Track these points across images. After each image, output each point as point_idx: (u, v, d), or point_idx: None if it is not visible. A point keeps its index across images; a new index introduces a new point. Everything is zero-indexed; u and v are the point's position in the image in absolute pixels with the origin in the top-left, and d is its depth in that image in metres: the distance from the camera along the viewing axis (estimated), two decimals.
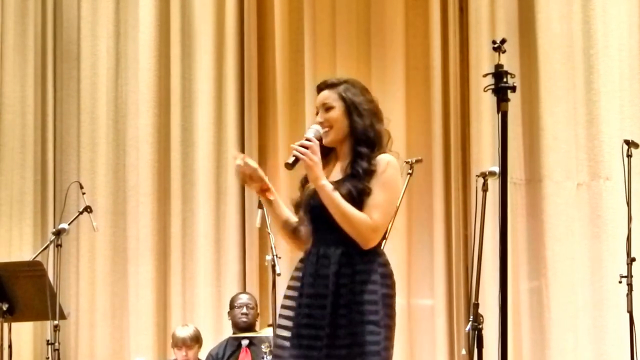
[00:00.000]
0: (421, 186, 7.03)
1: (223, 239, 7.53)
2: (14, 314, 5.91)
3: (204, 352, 6.77)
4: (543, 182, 6.90)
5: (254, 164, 3.72)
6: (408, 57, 7.32)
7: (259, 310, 6.86)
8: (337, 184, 3.55)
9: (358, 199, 3.51)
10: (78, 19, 7.97)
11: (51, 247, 6.18)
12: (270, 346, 5.93)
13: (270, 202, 3.75)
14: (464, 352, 5.38)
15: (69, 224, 6.18)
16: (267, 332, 6.08)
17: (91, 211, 6.35)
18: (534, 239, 6.92)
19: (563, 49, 6.94)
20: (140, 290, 7.57)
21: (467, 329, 4.97)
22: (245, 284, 7.44)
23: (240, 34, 7.68)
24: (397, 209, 4.51)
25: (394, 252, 6.75)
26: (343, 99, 3.64)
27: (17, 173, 7.83)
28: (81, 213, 6.36)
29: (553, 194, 6.87)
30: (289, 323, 3.59)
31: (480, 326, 4.88)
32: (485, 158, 6.84)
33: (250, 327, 6.66)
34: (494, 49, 3.34)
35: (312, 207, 3.60)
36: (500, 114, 3.28)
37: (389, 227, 4.10)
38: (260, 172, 3.72)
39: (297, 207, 3.71)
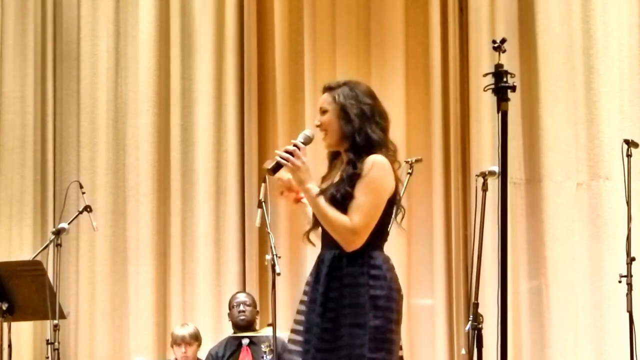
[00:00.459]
0: (421, 186, 7.03)
1: (223, 239, 7.53)
2: (13, 313, 5.90)
3: (203, 352, 6.77)
4: (543, 182, 6.90)
5: (286, 174, 3.73)
6: (408, 57, 7.32)
7: (258, 308, 6.87)
8: (326, 189, 3.57)
9: (342, 203, 3.51)
10: (78, 19, 7.97)
11: (51, 246, 6.18)
12: (270, 345, 5.93)
13: (300, 205, 3.78)
14: (463, 351, 5.38)
15: (68, 224, 6.18)
16: (267, 331, 6.08)
17: (91, 211, 6.35)
18: (534, 239, 6.92)
19: (563, 48, 6.94)
20: (140, 289, 7.57)
21: (466, 328, 4.98)
22: (245, 283, 7.44)
23: (240, 34, 7.68)
24: (401, 205, 4.52)
25: (393, 252, 6.72)
26: (336, 102, 3.63)
27: (17, 172, 7.83)
28: (81, 213, 6.36)
29: (553, 193, 6.87)
30: (299, 327, 3.62)
31: (480, 326, 4.89)
32: (485, 158, 6.84)
33: (249, 325, 6.67)
34: (494, 48, 3.34)
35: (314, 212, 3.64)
36: (500, 114, 3.28)
37: (389, 228, 4.10)
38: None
39: None
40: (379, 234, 3.60)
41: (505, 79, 3.27)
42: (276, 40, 7.57)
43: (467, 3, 7.20)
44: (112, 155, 7.82)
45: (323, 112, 3.66)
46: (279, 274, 5.36)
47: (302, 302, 3.65)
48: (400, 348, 3.62)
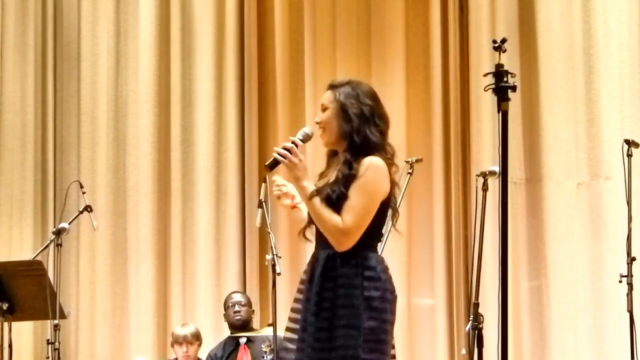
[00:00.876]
0: (421, 186, 7.03)
1: (223, 239, 7.54)
2: (14, 313, 5.90)
3: (204, 352, 6.77)
4: (543, 181, 6.90)
5: (282, 181, 3.72)
6: (408, 57, 7.32)
7: (253, 307, 6.87)
8: (319, 190, 3.56)
9: (336, 203, 3.51)
10: (78, 19, 7.97)
11: (51, 246, 6.18)
12: (270, 345, 5.93)
13: (296, 210, 3.78)
14: (464, 351, 5.38)
15: (69, 224, 6.18)
16: (268, 331, 6.08)
17: (91, 211, 6.35)
18: (534, 239, 6.92)
19: (563, 48, 6.94)
20: (141, 289, 7.57)
21: (467, 328, 4.98)
22: (246, 283, 7.45)
23: (240, 34, 7.69)
24: (397, 209, 4.51)
25: (394, 252, 6.76)
26: (337, 101, 3.63)
27: (18, 172, 7.83)
28: (81, 212, 6.36)
29: (553, 193, 6.87)
30: (294, 325, 3.62)
31: (481, 326, 4.88)
32: (485, 157, 6.84)
33: (245, 325, 6.67)
34: (495, 48, 3.34)
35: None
36: (500, 114, 3.28)
37: (389, 229, 4.11)
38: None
39: None
40: (373, 235, 3.60)
41: (505, 79, 3.28)
42: (276, 40, 7.57)
43: (468, 3, 7.20)
44: (112, 155, 7.82)
45: (324, 109, 3.66)
46: (279, 274, 5.36)
47: (296, 300, 3.65)
48: (393, 347, 3.61)
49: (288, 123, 7.47)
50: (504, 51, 3.33)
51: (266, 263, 5.52)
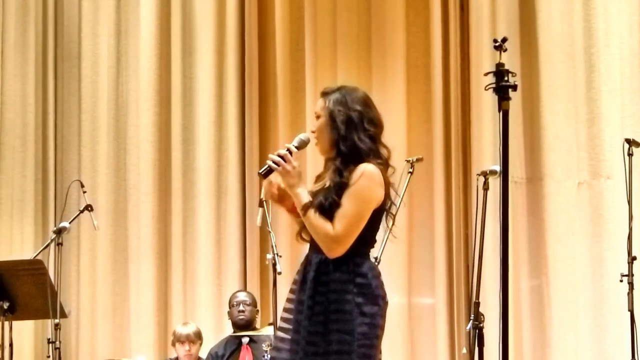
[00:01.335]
0: (422, 185, 7.03)
1: (224, 238, 7.54)
2: (14, 312, 5.90)
3: (204, 351, 6.77)
4: (544, 180, 6.90)
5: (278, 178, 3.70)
6: (409, 56, 7.32)
7: (258, 307, 6.87)
8: (314, 195, 3.57)
9: (329, 211, 3.51)
10: (79, 18, 7.97)
11: (52, 245, 6.18)
12: (271, 345, 5.93)
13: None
14: (464, 351, 5.39)
15: (69, 223, 6.18)
16: (268, 330, 6.09)
17: (92, 210, 6.35)
18: (535, 238, 6.92)
19: (564, 47, 6.94)
20: (141, 288, 7.57)
21: (467, 327, 4.98)
22: (246, 282, 7.45)
23: (241, 33, 7.68)
24: (397, 209, 4.52)
25: (394, 252, 6.77)
26: (327, 109, 3.62)
27: (18, 172, 7.83)
28: (82, 212, 6.36)
29: (554, 192, 6.87)
30: (287, 325, 3.63)
31: (481, 325, 4.88)
32: (486, 157, 6.84)
33: (249, 324, 6.67)
34: (495, 47, 3.34)
35: None
36: (501, 113, 3.28)
37: (388, 231, 4.11)
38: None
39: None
40: (366, 241, 3.60)
41: (506, 78, 3.27)
42: (277, 39, 7.57)
43: (468, 2, 7.20)
44: (113, 154, 7.82)
45: (317, 117, 3.66)
46: (279, 273, 5.37)
47: (289, 300, 3.66)
48: (380, 352, 3.63)
49: (288, 122, 7.47)
50: (505, 50, 3.33)
51: (267, 262, 5.53)
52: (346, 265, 3.53)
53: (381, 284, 3.62)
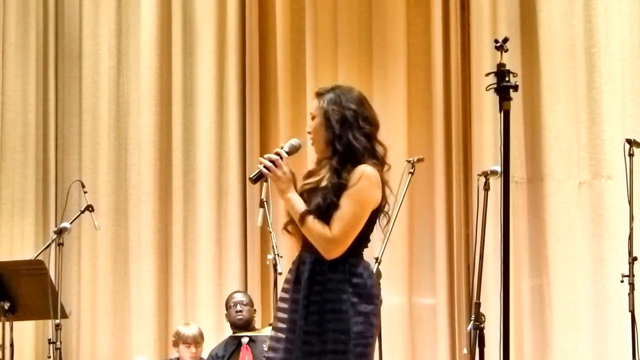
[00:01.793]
0: (423, 185, 7.03)
1: (224, 238, 7.54)
2: (15, 312, 5.90)
3: (205, 352, 6.77)
4: (545, 181, 6.90)
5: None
6: (409, 56, 7.32)
7: (255, 307, 6.87)
8: (311, 195, 3.57)
9: (326, 212, 3.51)
10: (80, 18, 7.97)
11: (53, 245, 6.17)
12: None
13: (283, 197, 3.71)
14: (465, 351, 5.39)
15: (70, 223, 6.18)
16: (269, 330, 6.06)
17: (93, 210, 6.35)
18: (536, 238, 6.92)
19: (565, 47, 6.94)
20: (142, 289, 7.57)
21: (468, 328, 4.98)
22: (247, 282, 7.45)
23: (241, 33, 7.68)
24: (398, 210, 4.51)
25: (395, 252, 6.78)
26: (321, 108, 3.62)
27: (19, 172, 7.83)
28: (83, 212, 6.36)
29: (555, 193, 6.87)
30: (281, 325, 3.63)
31: (482, 325, 4.89)
32: (486, 157, 6.84)
33: (247, 324, 6.66)
34: (496, 47, 3.34)
35: None
36: (502, 113, 3.28)
37: (387, 236, 4.12)
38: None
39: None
40: (361, 241, 3.61)
41: (507, 78, 3.27)
42: (278, 39, 7.56)
43: (469, 2, 7.20)
44: (113, 154, 7.82)
45: (312, 118, 3.66)
46: (280, 274, 5.35)
47: (282, 299, 3.66)
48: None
49: (289, 122, 7.47)
50: (506, 51, 3.33)
51: (267, 262, 5.52)
52: (342, 265, 3.54)
53: (376, 284, 3.65)
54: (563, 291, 6.78)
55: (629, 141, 5.71)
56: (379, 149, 3.63)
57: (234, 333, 6.73)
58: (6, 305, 5.84)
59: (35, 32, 7.95)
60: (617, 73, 6.84)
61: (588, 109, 6.87)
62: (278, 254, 5.38)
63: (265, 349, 6.00)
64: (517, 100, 3.57)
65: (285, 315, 3.61)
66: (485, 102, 6.89)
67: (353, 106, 3.60)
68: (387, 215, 3.71)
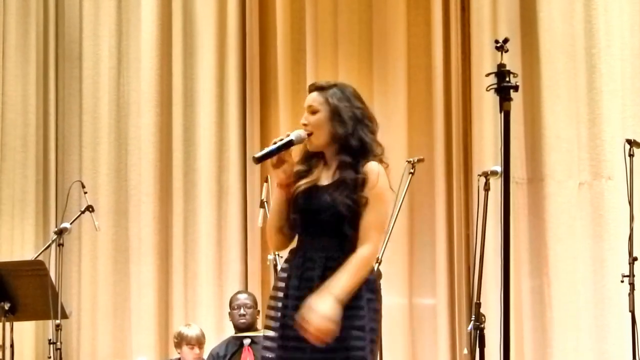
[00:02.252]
0: (423, 185, 7.03)
1: (225, 239, 7.54)
2: (15, 313, 5.90)
3: (205, 351, 6.76)
4: (545, 181, 6.90)
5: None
6: (410, 56, 7.32)
7: (259, 308, 6.86)
8: (327, 190, 3.52)
9: (355, 210, 3.48)
10: (80, 18, 7.97)
11: (53, 246, 6.18)
12: None
13: (287, 192, 3.64)
14: (465, 351, 5.38)
15: (70, 223, 6.18)
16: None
17: (93, 210, 6.35)
18: (536, 239, 6.92)
19: (565, 48, 6.94)
20: (142, 289, 7.57)
21: (469, 328, 4.98)
22: (247, 283, 7.44)
23: (242, 33, 7.68)
24: (399, 210, 4.52)
25: (395, 252, 6.78)
26: (328, 103, 3.57)
27: (19, 172, 7.83)
28: (83, 212, 6.37)
29: (555, 193, 6.87)
30: (274, 324, 3.58)
31: (482, 325, 4.89)
32: (487, 157, 6.84)
33: (250, 327, 6.65)
34: (497, 48, 3.35)
35: (303, 210, 3.56)
36: (502, 114, 3.29)
37: (387, 237, 4.12)
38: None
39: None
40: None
41: (507, 79, 3.28)
42: (278, 40, 7.56)
43: (469, 2, 7.20)
44: (114, 154, 7.82)
45: (313, 111, 3.59)
46: None
47: (276, 298, 3.58)
48: None
49: (290, 122, 7.46)
50: (506, 51, 3.33)
51: (268, 263, 5.54)
52: None
53: (378, 280, 3.67)
54: (563, 291, 6.78)
55: (629, 141, 5.71)
56: (379, 148, 3.62)
57: (235, 333, 6.72)
58: (6, 306, 5.84)
59: (36, 33, 7.95)
60: (618, 73, 6.84)
61: (588, 109, 6.87)
62: (278, 255, 5.38)
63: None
64: (517, 100, 3.57)
65: (277, 314, 3.56)
66: (486, 103, 6.89)
67: (359, 104, 3.61)
68: None
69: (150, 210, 7.64)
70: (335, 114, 3.55)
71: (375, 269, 5.04)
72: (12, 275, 5.89)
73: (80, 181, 6.84)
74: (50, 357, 6.01)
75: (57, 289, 5.88)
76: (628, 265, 5.51)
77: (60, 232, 6.03)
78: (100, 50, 7.91)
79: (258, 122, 7.62)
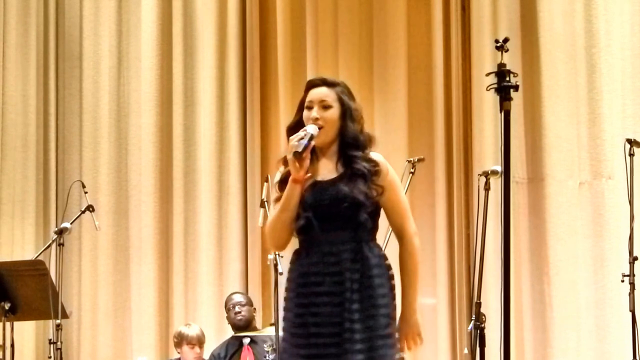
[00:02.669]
0: (423, 185, 7.03)
1: (225, 238, 7.54)
2: (16, 313, 5.90)
3: (206, 352, 6.77)
4: (545, 181, 6.90)
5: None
6: (410, 56, 7.32)
7: (256, 307, 6.87)
8: (339, 182, 3.52)
9: (370, 198, 3.50)
10: (80, 18, 7.97)
11: (53, 246, 6.17)
12: (272, 345, 5.93)
13: (302, 187, 3.58)
14: (466, 351, 5.38)
15: (71, 223, 6.17)
16: (269, 330, 6.08)
17: (93, 210, 6.35)
18: (536, 238, 6.92)
19: (565, 47, 6.94)
20: (143, 289, 7.57)
21: (469, 328, 4.98)
22: (247, 283, 7.45)
23: (242, 33, 7.69)
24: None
25: (395, 252, 6.76)
26: (340, 101, 3.61)
27: (20, 172, 7.84)
28: (83, 212, 6.36)
29: (555, 192, 6.87)
30: (300, 322, 3.55)
31: (483, 325, 4.89)
32: (487, 157, 6.84)
33: (248, 324, 6.66)
34: (497, 47, 3.35)
35: (316, 205, 3.54)
36: (502, 113, 3.29)
37: (387, 236, 4.12)
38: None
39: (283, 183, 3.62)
40: (377, 227, 3.63)
41: (507, 78, 3.28)
42: (279, 40, 7.56)
43: (469, 2, 7.20)
44: (114, 154, 7.82)
45: (326, 107, 3.60)
46: (281, 274, 5.36)
47: (315, 294, 3.53)
48: None
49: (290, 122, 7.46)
50: (507, 51, 3.33)
51: (268, 263, 5.52)
52: (377, 250, 3.57)
53: None
54: (563, 291, 6.78)
55: (629, 141, 5.71)
56: (374, 139, 3.71)
57: (235, 333, 6.73)
58: (7, 306, 5.84)
59: (36, 33, 7.95)
60: (618, 73, 6.84)
61: (588, 109, 6.87)
62: (279, 254, 5.38)
63: (266, 349, 6.03)
64: (517, 100, 3.58)
65: (304, 311, 3.54)
66: (486, 102, 6.89)
67: (357, 102, 3.67)
68: None
69: (150, 209, 7.64)
70: (347, 112, 3.60)
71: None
72: (13, 275, 5.89)
73: (81, 181, 6.83)
74: (50, 357, 6.01)
75: (57, 288, 5.88)
76: (628, 265, 5.51)
77: (60, 232, 6.02)
78: (100, 50, 7.91)
79: (258, 121, 7.62)
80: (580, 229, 6.82)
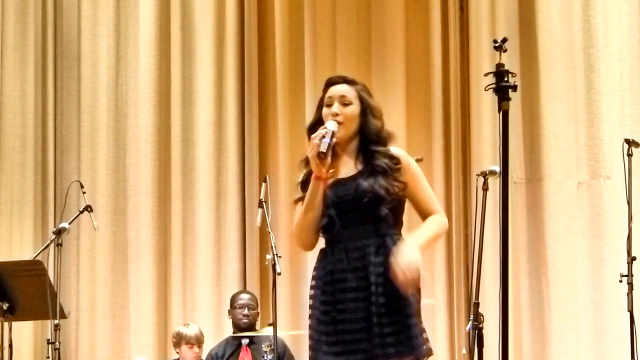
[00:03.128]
0: None
1: (223, 238, 7.53)
2: (14, 313, 5.90)
3: (204, 352, 6.76)
4: (543, 181, 6.91)
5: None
6: (408, 56, 7.32)
7: (259, 310, 6.86)
8: (360, 178, 3.53)
9: (392, 193, 3.53)
10: (78, 18, 7.96)
11: (52, 246, 6.18)
12: (270, 345, 5.92)
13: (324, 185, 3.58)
14: (464, 351, 5.39)
15: (69, 223, 6.17)
16: (268, 331, 6.08)
17: (91, 210, 6.35)
18: (535, 238, 6.92)
19: (563, 47, 6.95)
20: (141, 289, 7.57)
21: (467, 328, 4.98)
22: (246, 283, 7.44)
23: (240, 33, 7.69)
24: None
25: None
26: (361, 98, 3.65)
27: (18, 172, 7.83)
28: (82, 212, 6.36)
29: (553, 193, 6.87)
30: (328, 319, 3.53)
31: (481, 325, 4.89)
32: (485, 157, 6.84)
33: (250, 328, 6.63)
34: (495, 48, 3.35)
35: (338, 202, 3.54)
36: (501, 113, 3.29)
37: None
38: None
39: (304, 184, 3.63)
40: (401, 222, 3.70)
41: (506, 79, 3.28)
42: (277, 40, 7.56)
43: (468, 2, 7.20)
44: (112, 154, 7.81)
45: (346, 103, 3.62)
46: (279, 274, 5.36)
47: (343, 289, 3.52)
48: None
49: (288, 122, 7.47)
50: (505, 51, 3.33)
51: (266, 263, 5.52)
52: (399, 244, 3.57)
53: None
54: (562, 291, 6.78)
55: (627, 141, 5.71)
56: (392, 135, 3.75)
57: (234, 333, 6.72)
58: (5, 306, 5.84)
59: (34, 33, 7.95)
60: (616, 73, 6.84)
61: (587, 109, 6.88)
62: (277, 254, 5.38)
63: (265, 349, 6.02)
64: (516, 100, 3.59)
65: (330, 309, 3.52)
66: (484, 102, 6.89)
67: (377, 100, 3.72)
68: None
69: (148, 210, 7.64)
70: (368, 110, 3.63)
71: None
72: (11, 275, 5.89)
73: (79, 181, 6.83)
74: (48, 357, 6.00)
75: (55, 288, 5.88)
76: (627, 265, 5.51)
77: (58, 232, 6.02)
78: (98, 50, 7.90)
79: (256, 122, 7.62)
80: (579, 229, 6.82)
